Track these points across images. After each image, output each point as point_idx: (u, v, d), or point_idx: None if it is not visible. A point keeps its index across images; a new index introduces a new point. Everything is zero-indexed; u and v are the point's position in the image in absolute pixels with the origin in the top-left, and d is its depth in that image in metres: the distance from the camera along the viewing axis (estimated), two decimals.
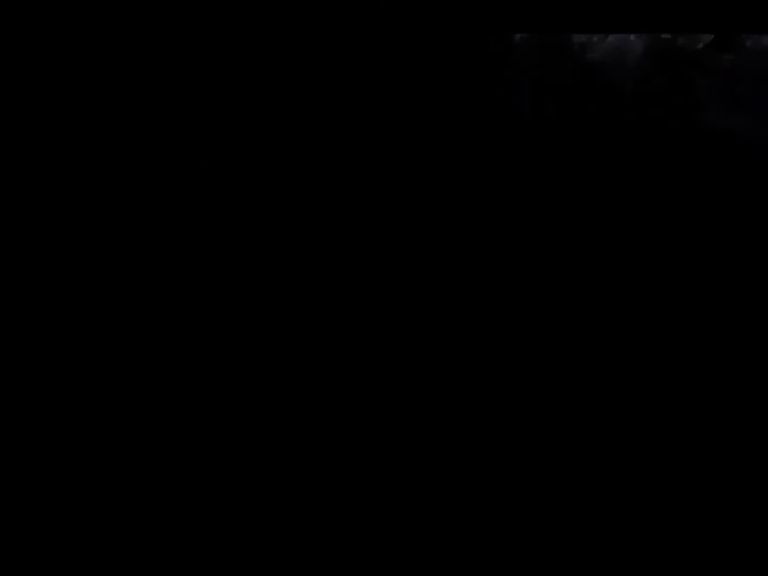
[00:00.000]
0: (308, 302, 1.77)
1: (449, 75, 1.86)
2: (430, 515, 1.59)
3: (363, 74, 1.86)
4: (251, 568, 1.54)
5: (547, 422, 1.67)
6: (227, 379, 1.70)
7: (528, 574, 1.56)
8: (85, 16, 1.84)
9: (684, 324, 1.74)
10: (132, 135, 1.84)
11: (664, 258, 1.78)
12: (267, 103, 1.86)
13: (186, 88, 1.85)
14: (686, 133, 1.83)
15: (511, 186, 1.82)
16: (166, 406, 1.66)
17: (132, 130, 1.84)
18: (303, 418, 1.66)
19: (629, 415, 1.68)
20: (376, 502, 1.59)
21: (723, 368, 1.71)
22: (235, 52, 1.87)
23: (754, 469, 1.62)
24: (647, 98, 1.85)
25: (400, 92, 1.86)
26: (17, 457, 1.58)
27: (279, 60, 1.87)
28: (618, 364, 1.72)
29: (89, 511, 1.55)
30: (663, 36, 1.87)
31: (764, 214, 1.77)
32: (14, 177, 1.81)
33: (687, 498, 1.61)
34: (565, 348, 1.73)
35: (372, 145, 1.84)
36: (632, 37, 1.87)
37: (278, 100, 1.86)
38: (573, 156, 1.83)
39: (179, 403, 1.66)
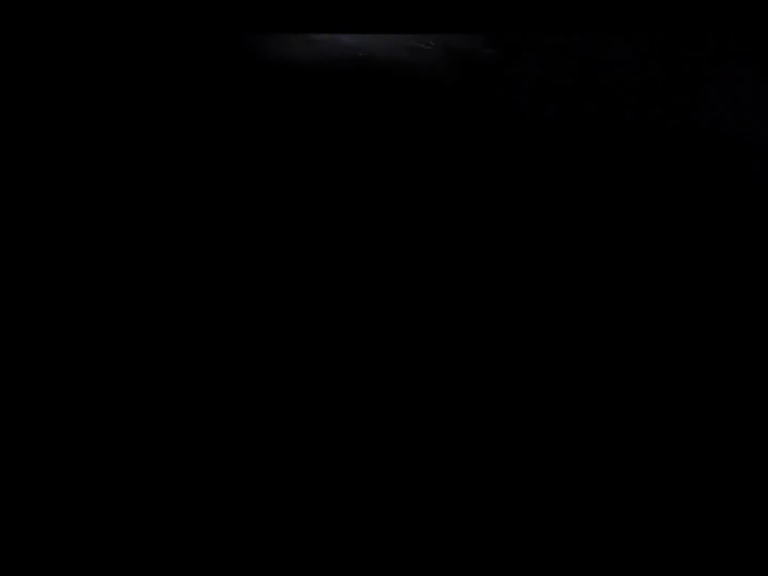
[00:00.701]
0: (307, 302, 1.77)
1: (449, 74, 1.86)
2: (429, 515, 1.58)
3: (361, 74, 1.87)
4: (251, 567, 1.53)
5: (547, 422, 1.66)
6: (227, 378, 1.70)
7: (528, 574, 1.55)
8: (84, 16, 1.85)
9: (684, 324, 1.74)
10: (131, 135, 1.85)
11: (663, 257, 1.78)
12: (266, 103, 1.86)
13: (185, 89, 1.85)
14: (686, 133, 1.83)
15: (511, 185, 1.81)
16: (165, 405, 1.66)
17: (131, 130, 1.85)
18: (302, 417, 1.66)
19: (629, 415, 1.67)
20: (375, 502, 1.59)
21: (725, 367, 1.70)
22: (235, 52, 1.87)
23: (754, 469, 1.61)
24: (647, 98, 1.85)
25: (400, 91, 1.86)
26: (16, 456, 1.58)
27: (276, 59, 1.88)
28: (618, 365, 1.72)
29: (87, 510, 1.55)
30: (663, 36, 1.88)
31: (764, 214, 1.77)
32: (14, 177, 1.81)
33: (687, 498, 1.60)
34: (564, 349, 1.73)
35: (370, 144, 1.84)
36: (632, 37, 1.88)
37: (277, 100, 1.86)
38: (573, 155, 1.83)
39: (178, 403, 1.66)
